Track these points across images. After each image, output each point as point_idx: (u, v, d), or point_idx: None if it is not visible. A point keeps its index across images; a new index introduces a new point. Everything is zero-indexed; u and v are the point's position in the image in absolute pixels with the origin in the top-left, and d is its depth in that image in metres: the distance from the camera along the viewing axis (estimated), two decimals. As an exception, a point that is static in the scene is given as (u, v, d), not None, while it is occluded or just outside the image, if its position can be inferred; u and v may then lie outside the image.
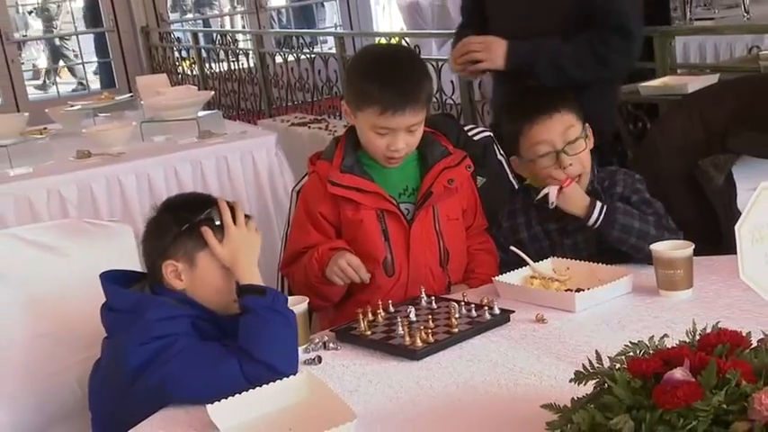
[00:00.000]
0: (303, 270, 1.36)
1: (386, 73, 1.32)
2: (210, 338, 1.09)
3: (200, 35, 5.83)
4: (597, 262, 1.33)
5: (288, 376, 1.02)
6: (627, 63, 1.72)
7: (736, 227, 0.81)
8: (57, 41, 6.86)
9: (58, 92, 5.85)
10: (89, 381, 1.15)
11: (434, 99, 3.85)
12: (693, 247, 1.23)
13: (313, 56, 4.57)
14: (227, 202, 1.16)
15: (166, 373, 1.02)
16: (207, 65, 5.40)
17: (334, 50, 4.30)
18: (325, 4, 7.93)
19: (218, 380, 0.99)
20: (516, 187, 1.63)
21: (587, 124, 1.43)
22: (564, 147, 1.37)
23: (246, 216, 1.17)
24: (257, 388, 0.99)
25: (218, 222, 1.13)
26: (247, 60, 5.15)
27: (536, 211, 1.45)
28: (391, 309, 1.25)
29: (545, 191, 1.38)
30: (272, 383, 1.01)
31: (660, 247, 1.24)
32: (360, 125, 1.34)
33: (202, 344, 1.07)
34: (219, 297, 1.13)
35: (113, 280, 1.13)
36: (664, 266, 1.22)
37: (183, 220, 1.12)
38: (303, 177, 1.55)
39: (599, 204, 1.35)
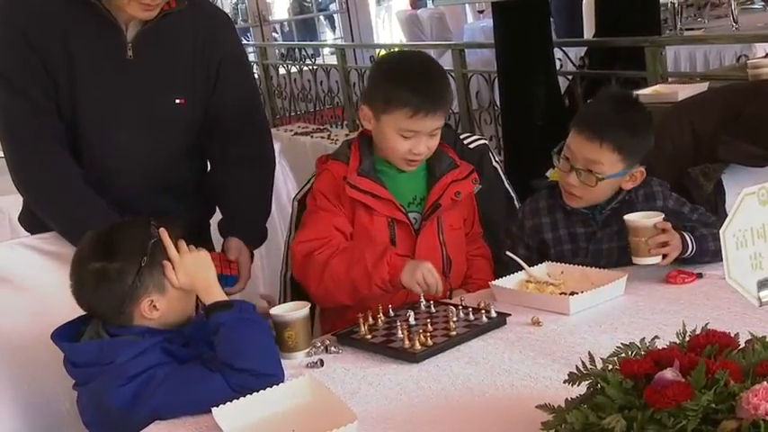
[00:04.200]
0: (346, 265, 1.30)
1: (417, 77, 1.33)
2: (183, 357, 1.09)
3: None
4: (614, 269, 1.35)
5: (272, 376, 1.04)
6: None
7: (722, 231, 0.84)
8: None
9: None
10: (77, 405, 1.14)
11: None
12: (662, 217, 1.30)
13: (315, 67, 4.62)
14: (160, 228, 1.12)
15: (156, 404, 1.03)
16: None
17: (335, 62, 4.34)
18: (330, 16, 7.99)
19: (207, 396, 1.00)
20: (513, 194, 1.66)
21: (641, 169, 1.37)
22: (579, 168, 1.36)
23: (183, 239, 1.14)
24: (260, 391, 1.01)
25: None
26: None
27: (563, 213, 1.44)
28: (391, 313, 1.27)
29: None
30: (275, 386, 1.03)
31: (632, 217, 1.31)
32: (382, 128, 1.35)
33: (182, 367, 1.07)
34: (186, 305, 1.14)
35: (63, 335, 1.11)
36: (633, 234, 1.30)
37: (137, 256, 1.09)
38: (305, 185, 1.57)
39: (689, 239, 1.32)
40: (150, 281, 1.10)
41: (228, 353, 1.05)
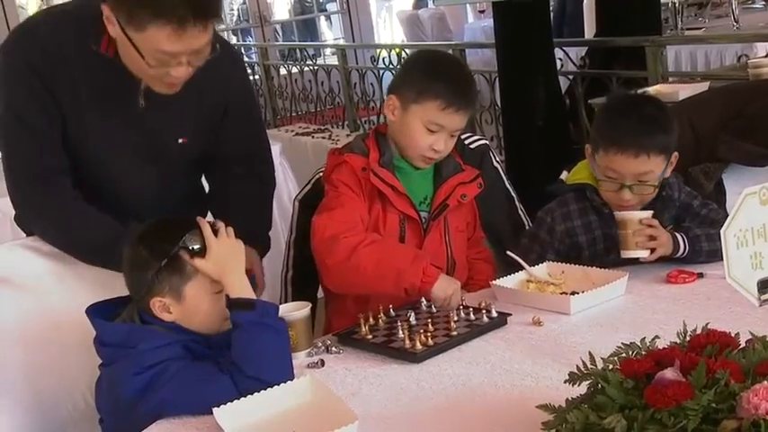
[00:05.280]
0: (375, 260, 1.27)
1: (454, 73, 1.39)
2: (204, 358, 1.09)
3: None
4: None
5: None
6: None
7: (722, 231, 0.85)
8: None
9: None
10: (95, 388, 1.16)
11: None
12: (650, 214, 1.33)
13: (316, 68, 4.62)
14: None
15: (162, 398, 1.03)
16: (214, 77, 5.48)
17: (336, 62, 4.34)
18: (330, 17, 7.99)
19: (213, 397, 1.00)
20: (513, 194, 1.66)
21: (675, 153, 1.37)
22: (631, 184, 1.34)
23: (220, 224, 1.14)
24: (262, 391, 1.01)
25: (192, 247, 1.10)
26: (253, 72, 5.20)
27: (596, 214, 1.42)
28: (392, 313, 1.27)
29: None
30: (276, 387, 1.03)
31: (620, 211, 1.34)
32: (408, 119, 1.35)
33: (195, 364, 1.07)
34: (210, 320, 1.13)
35: (99, 313, 1.12)
36: (621, 227, 1.33)
37: (160, 255, 1.09)
38: (305, 186, 1.57)
39: (681, 239, 1.34)
40: (167, 284, 1.10)
41: (241, 356, 1.05)
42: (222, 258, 1.11)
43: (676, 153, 1.39)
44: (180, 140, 1.36)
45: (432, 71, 1.37)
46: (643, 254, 1.33)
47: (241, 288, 1.10)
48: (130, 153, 1.35)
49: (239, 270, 1.12)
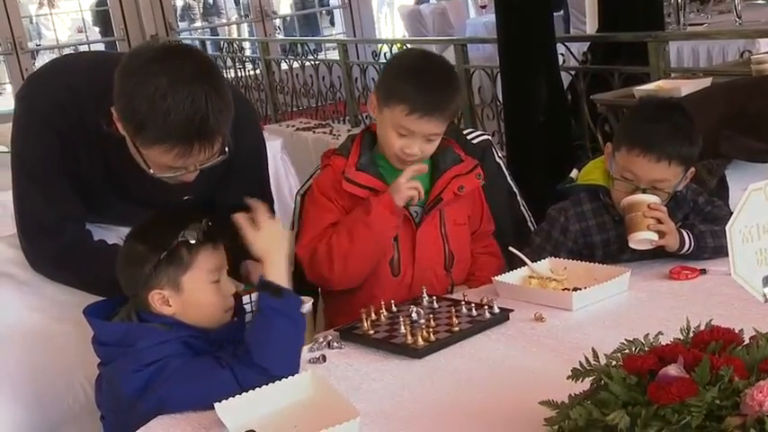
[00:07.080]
0: (345, 235, 1.32)
1: (423, 77, 1.31)
2: (203, 353, 1.09)
3: (208, 43, 5.96)
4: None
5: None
6: None
7: (727, 227, 0.84)
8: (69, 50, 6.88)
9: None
10: (95, 386, 1.16)
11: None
12: (658, 201, 1.32)
13: (317, 63, 4.60)
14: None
15: (162, 395, 1.04)
16: (215, 72, 5.48)
17: (337, 57, 4.34)
18: (331, 12, 7.99)
19: (213, 391, 1.00)
20: (515, 189, 1.65)
21: (692, 168, 1.38)
22: (645, 188, 1.34)
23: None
24: (263, 386, 1.01)
25: (192, 242, 1.11)
26: (254, 67, 5.21)
27: (609, 215, 1.41)
28: (393, 308, 1.27)
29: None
30: (277, 382, 1.03)
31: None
32: (383, 121, 1.35)
33: (194, 359, 1.08)
34: (210, 312, 1.13)
35: (97, 312, 1.12)
36: (629, 211, 1.32)
37: (159, 248, 1.10)
38: (308, 180, 1.56)
39: (686, 235, 1.34)
40: (165, 276, 1.10)
41: (253, 340, 1.05)
42: (270, 240, 1.12)
43: (693, 169, 1.39)
44: (185, 198, 1.34)
45: (403, 73, 1.33)
46: (654, 236, 1.31)
47: (278, 276, 1.10)
48: (134, 206, 1.33)
49: (282, 257, 1.12)
